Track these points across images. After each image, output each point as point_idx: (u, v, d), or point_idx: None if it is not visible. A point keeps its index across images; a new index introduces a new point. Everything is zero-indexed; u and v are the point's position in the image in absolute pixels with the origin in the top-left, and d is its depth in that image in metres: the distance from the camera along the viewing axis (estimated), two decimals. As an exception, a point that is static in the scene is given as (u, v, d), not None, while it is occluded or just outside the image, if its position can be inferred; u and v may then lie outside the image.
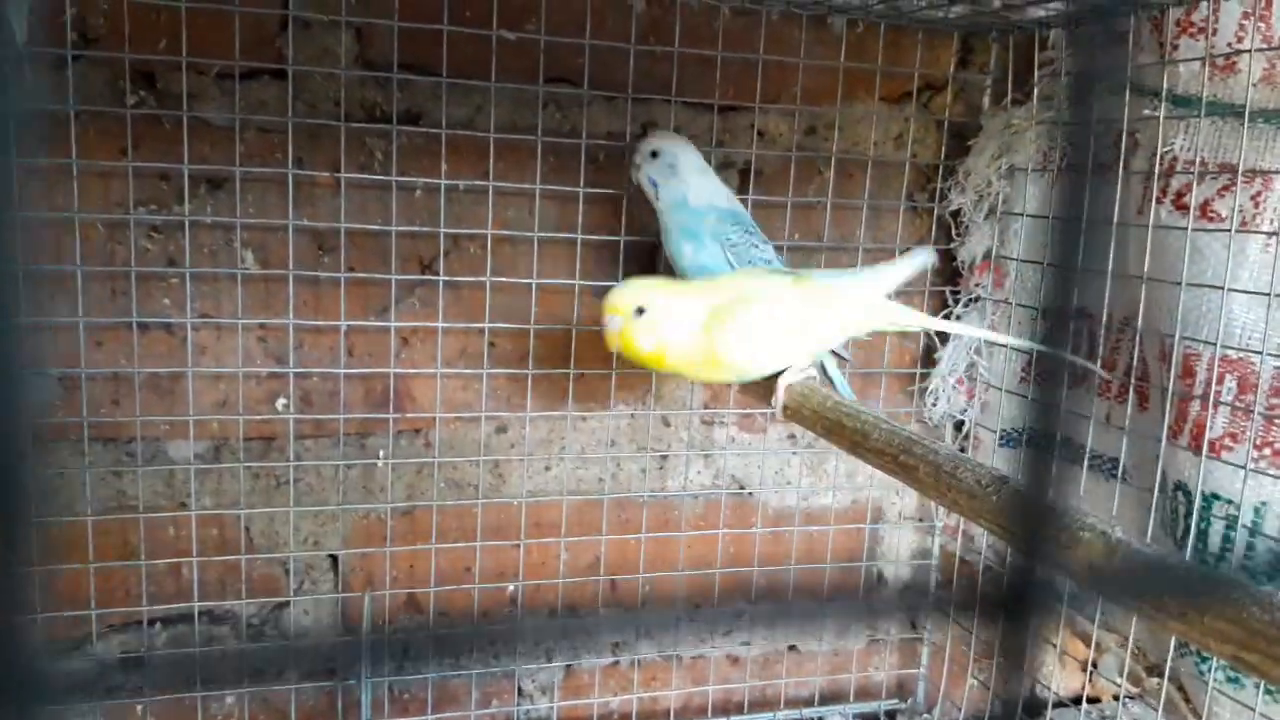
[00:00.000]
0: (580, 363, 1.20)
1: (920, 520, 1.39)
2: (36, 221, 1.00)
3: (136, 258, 1.04)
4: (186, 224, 1.05)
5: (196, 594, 1.13)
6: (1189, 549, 0.98)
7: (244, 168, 1.05)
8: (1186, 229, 0.96)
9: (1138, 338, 1.06)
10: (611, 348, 0.97)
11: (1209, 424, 0.96)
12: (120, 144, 1.02)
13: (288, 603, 1.18)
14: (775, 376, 0.98)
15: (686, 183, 1.06)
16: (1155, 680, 1.09)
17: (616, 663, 1.32)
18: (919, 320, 1.04)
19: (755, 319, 0.94)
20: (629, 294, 0.95)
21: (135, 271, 1.04)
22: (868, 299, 0.99)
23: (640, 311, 0.94)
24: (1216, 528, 0.97)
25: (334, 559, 1.18)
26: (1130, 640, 1.11)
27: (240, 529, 1.14)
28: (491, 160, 1.11)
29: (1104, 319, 1.08)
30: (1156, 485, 1.01)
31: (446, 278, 1.14)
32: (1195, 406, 0.97)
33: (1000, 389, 1.23)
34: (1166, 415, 1.00)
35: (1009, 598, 0.28)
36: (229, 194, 1.06)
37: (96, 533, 1.08)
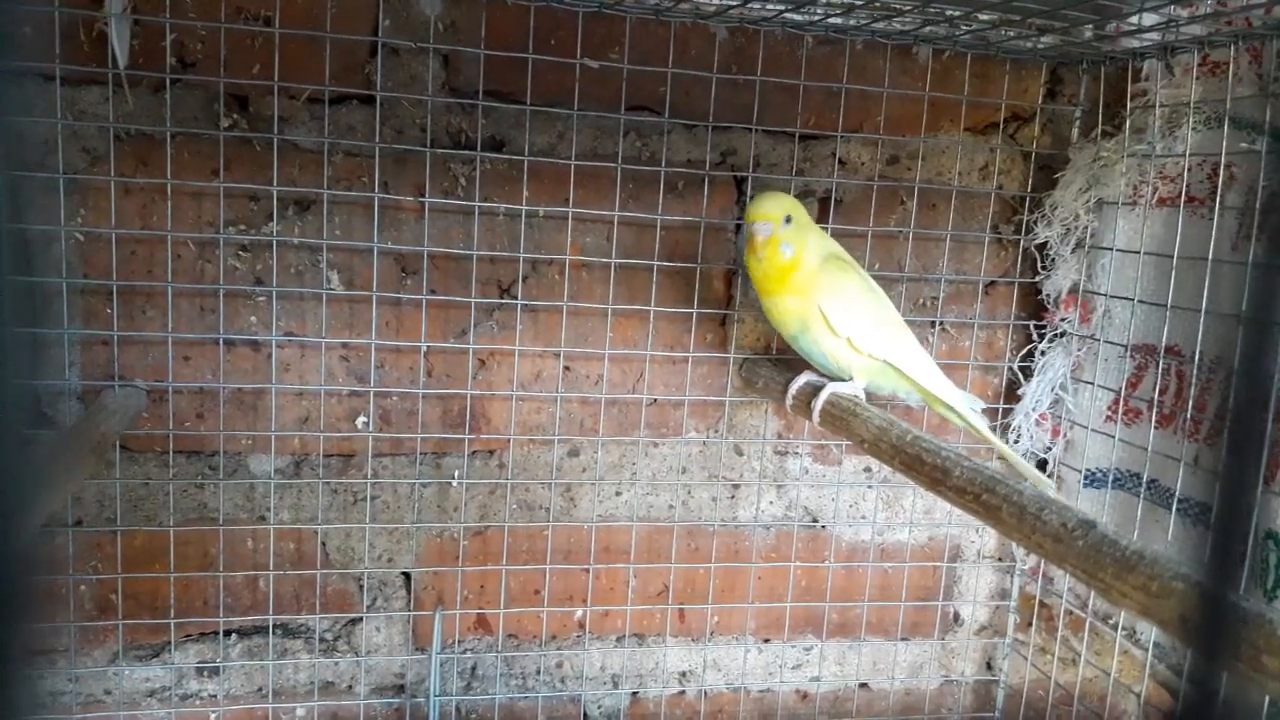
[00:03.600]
0: (653, 388, 1.20)
1: (1000, 560, 1.35)
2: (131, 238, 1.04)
3: (225, 276, 1.07)
4: (274, 244, 1.08)
5: (272, 607, 1.15)
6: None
7: (331, 190, 1.07)
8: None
9: (1231, 379, 1.02)
10: (759, 254, 0.99)
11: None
12: (213, 165, 1.05)
13: (360, 618, 1.19)
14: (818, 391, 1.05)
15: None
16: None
17: (683, 693, 1.30)
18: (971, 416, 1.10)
19: (855, 284, 1.04)
20: (779, 203, 1.00)
21: (223, 289, 1.07)
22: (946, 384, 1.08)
23: (789, 220, 1.00)
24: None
25: (407, 576, 1.19)
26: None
27: (317, 544, 1.16)
28: (572, 187, 1.12)
29: (1195, 358, 1.05)
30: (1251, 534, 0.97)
31: (525, 301, 1.15)
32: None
33: (1086, 427, 1.19)
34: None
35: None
36: (316, 216, 1.08)
37: (177, 543, 1.11)
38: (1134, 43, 1.08)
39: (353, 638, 1.20)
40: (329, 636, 1.19)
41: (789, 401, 1.10)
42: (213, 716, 1.17)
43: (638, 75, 1.11)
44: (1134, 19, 1.01)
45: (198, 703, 1.17)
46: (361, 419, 1.14)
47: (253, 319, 1.09)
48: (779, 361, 1.18)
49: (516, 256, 1.13)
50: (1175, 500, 1.06)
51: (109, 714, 1.14)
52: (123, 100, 1.02)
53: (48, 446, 0.91)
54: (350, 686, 1.21)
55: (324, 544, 1.16)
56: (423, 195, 1.10)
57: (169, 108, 1.02)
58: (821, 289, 1.01)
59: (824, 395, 1.04)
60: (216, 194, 1.05)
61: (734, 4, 1.02)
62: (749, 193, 1.18)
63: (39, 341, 1.01)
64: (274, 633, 1.17)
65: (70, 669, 1.12)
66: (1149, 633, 1.12)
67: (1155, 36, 1.04)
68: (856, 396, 1.04)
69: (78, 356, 1.06)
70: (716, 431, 1.24)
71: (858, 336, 1.03)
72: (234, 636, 1.16)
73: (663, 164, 1.14)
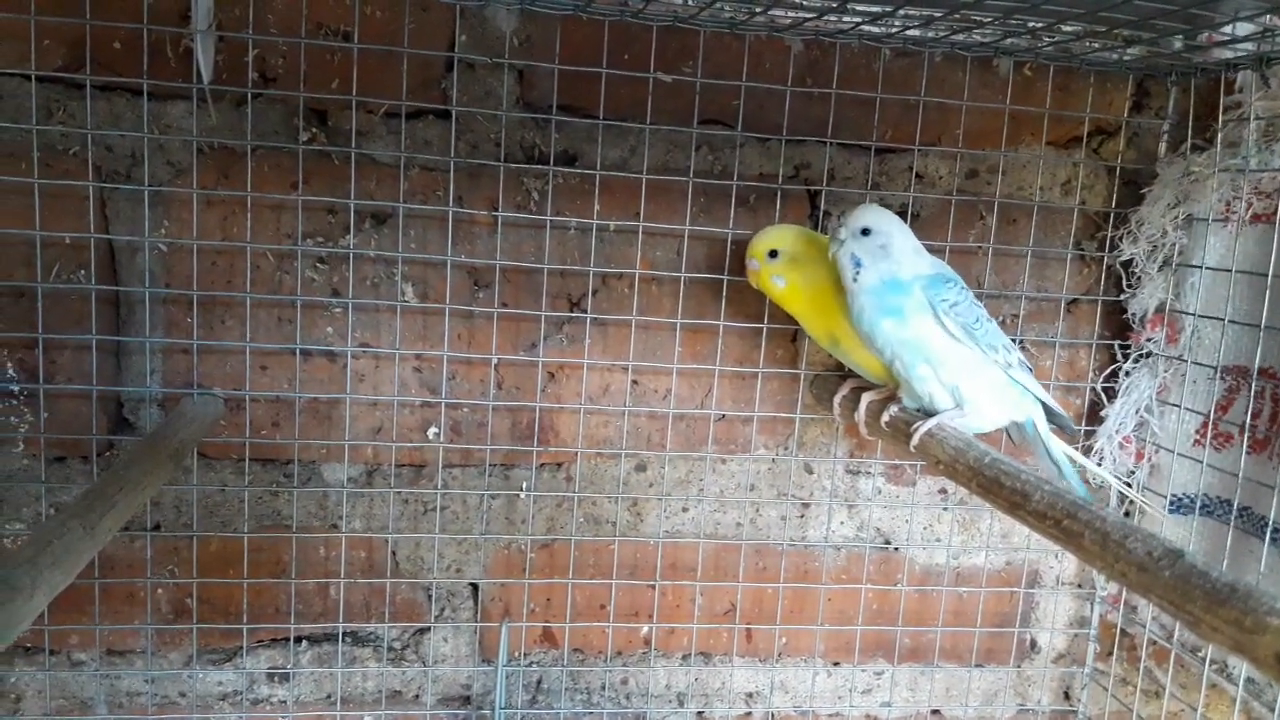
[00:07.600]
0: (722, 404, 1.19)
1: (1079, 586, 1.31)
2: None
3: (302, 287, 1.09)
4: (351, 256, 1.09)
5: (342, 614, 1.16)
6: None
7: (407, 204, 1.09)
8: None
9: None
10: (754, 285, 1.06)
11: None
12: (292, 178, 1.07)
13: (428, 628, 1.20)
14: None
15: (899, 263, 0.96)
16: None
17: (749, 714, 1.28)
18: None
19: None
20: (764, 239, 1.04)
21: (301, 300, 1.09)
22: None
23: (774, 255, 1.03)
24: None
25: (474, 587, 1.20)
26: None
27: (387, 553, 1.17)
28: (643, 201, 1.11)
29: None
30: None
31: (594, 315, 1.15)
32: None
33: (1173, 451, 1.15)
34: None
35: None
36: (392, 229, 1.10)
37: (251, 549, 1.13)
38: (1227, 53, 1.04)
39: (420, 647, 1.20)
40: (397, 645, 1.20)
41: (835, 409, 1.11)
42: (283, 721, 1.19)
43: (711, 89, 1.10)
44: (1227, 29, 0.98)
45: (268, 708, 1.18)
46: (433, 430, 1.14)
47: (329, 330, 1.11)
48: (850, 378, 1.16)
49: (587, 270, 1.13)
50: (1269, 529, 1.02)
51: (183, 716, 1.16)
52: (206, 114, 1.04)
53: (129, 452, 0.94)
54: (417, 696, 1.21)
55: (394, 553, 1.17)
56: (496, 209, 1.10)
57: (250, 122, 1.04)
58: (830, 315, 1.04)
59: (864, 403, 1.07)
60: (295, 206, 1.07)
61: (810, 16, 1.00)
62: (822, 206, 1.16)
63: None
64: (343, 640, 1.18)
65: (147, 670, 1.14)
66: (1240, 667, 1.07)
67: (1250, 47, 1.00)
68: (904, 409, 1.05)
69: (159, 364, 1.08)
70: (786, 449, 1.22)
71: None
72: (304, 643, 1.18)
73: (734, 178, 1.13)
